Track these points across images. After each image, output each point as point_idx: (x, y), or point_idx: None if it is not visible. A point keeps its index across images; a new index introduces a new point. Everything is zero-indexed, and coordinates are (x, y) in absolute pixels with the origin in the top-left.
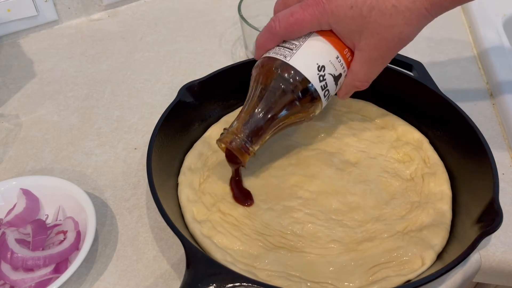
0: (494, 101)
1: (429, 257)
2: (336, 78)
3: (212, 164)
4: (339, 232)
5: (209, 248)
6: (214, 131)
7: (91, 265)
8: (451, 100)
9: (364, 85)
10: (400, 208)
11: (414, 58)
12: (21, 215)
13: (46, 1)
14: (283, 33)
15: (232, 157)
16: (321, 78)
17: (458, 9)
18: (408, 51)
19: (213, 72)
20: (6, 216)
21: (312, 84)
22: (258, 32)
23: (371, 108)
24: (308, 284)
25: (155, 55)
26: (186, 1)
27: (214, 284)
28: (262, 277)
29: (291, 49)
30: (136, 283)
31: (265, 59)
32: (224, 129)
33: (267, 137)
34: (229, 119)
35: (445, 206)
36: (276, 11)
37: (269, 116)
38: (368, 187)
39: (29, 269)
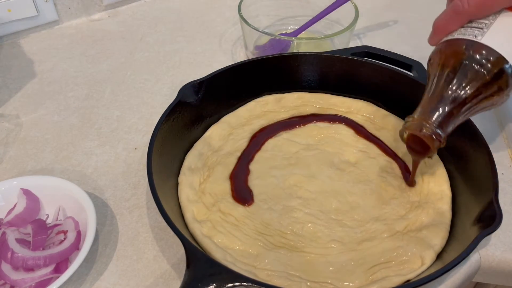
0: None
1: (429, 257)
2: None
3: (212, 164)
4: (339, 232)
5: (209, 248)
6: (214, 131)
7: (91, 265)
8: None
9: None
10: (399, 208)
11: (414, 58)
12: (21, 215)
13: (46, 1)
14: (473, 11)
15: (417, 147)
16: None
17: None
18: (408, 51)
19: (213, 72)
20: (6, 216)
21: (509, 63)
22: (258, 32)
23: (371, 108)
24: (308, 283)
25: (155, 55)
26: (186, 1)
27: (214, 284)
28: (262, 277)
29: (481, 28)
30: (136, 283)
31: (449, 41)
32: (408, 116)
33: (458, 123)
34: (229, 119)
35: (445, 206)
36: None
37: (460, 100)
38: (368, 187)
39: (30, 269)
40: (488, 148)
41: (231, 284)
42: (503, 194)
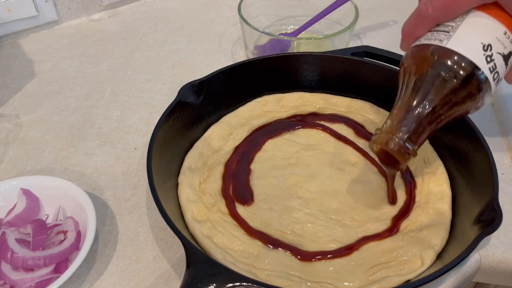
0: (494, 101)
1: (429, 257)
2: (506, 58)
3: (212, 164)
4: (339, 232)
5: (209, 248)
6: (214, 131)
7: (91, 265)
8: None
9: None
10: (400, 208)
11: None
12: (21, 215)
13: (46, 1)
14: (438, 15)
15: (388, 161)
16: (489, 59)
17: None
18: None
19: (213, 72)
20: (6, 216)
21: (478, 67)
22: (258, 32)
23: (371, 108)
24: (308, 284)
25: (155, 55)
26: (186, 1)
27: (214, 284)
28: (262, 277)
29: (447, 32)
30: (136, 283)
31: (416, 47)
32: (377, 129)
33: (428, 134)
34: (229, 119)
35: (445, 206)
36: None
37: (429, 109)
38: (368, 187)
39: (29, 269)
40: (488, 148)
41: (231, 284)
42: (503, 194)
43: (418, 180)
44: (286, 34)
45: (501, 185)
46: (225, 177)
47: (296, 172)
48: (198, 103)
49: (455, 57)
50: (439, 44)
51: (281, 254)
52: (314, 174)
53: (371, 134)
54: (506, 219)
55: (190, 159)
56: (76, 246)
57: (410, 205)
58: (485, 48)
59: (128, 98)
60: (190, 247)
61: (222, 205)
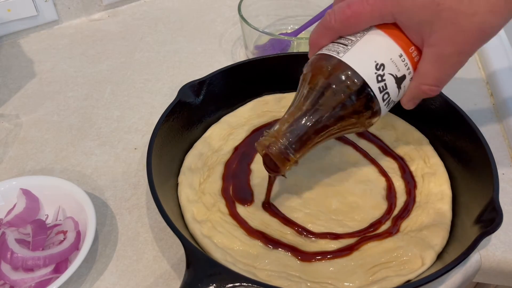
0: (494, 101)
1: (429, 257)
2: (399, 80)
3: (212, 164)
4: (339, 232)
5: (209, 248)
6: (214, 131)
7: (91, 265)
8: (451, 100)
9: (433, 90)
10: (400, 208)
11: None
12: (21, 215)
13: (46, 1)
14: (339, 27)
15: (269, 164)
16: (379, 78)
17: None
18: None
19: (213, 72)
20: (6, 216)
21: (368, 84)
22: (258, 32)
23: None
24: (308, 284)
25: (155, 55)
26: (186, 1)
27: (214, 284)
28: (262, 277)
29: (346, 45)
30: (136, 283)
31: (316, 56)
32: (265, 131)
33: (313, 144)
34: (229, 119)
35: (445, 206)
36: (334, 5)
37: (316, 119)
38: (368, 187)
39: (29, 269)
40: (489, 148)
41: (231, 285)
42: (503, 194)
43: (418, 180)
44: (286, 34)
45: (501, 185)
46: (225, 177)
47: (296, 172)
48: (198, 103)
49: (347, 71)
50: (335, 55)
51: (281, 254)
52: (314, 174)
53: (371, 134)
54: (507, 219)
55: (190, 159)
56: (76, 246)
57: (410, 205)
58: (378, 67)
59: (128, 98)
60: (190, 247)
61: (222, 205)
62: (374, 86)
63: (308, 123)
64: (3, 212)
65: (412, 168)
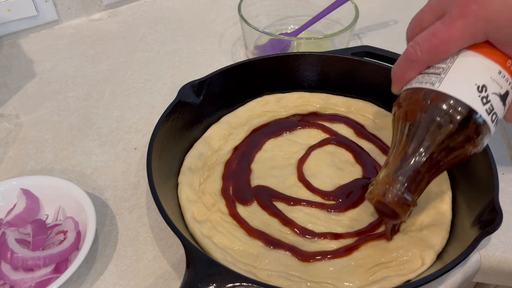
0: None
1: (429, 257)
2: (503, 97)
3: (212, 164)
4: (339, 232)
5: (209, 248)
6: (214, 131)
7: (91, 265)
8: None
9: None
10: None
11: None
12: (21, 215)
13: (46, 1)
14: (427, 58)
15: (386, 212)
16: (484, 100)
17: None
18: None
19: (213, 72)
20: (6, 216)
21: (474, 110)
22: (258, 32)
23: (371, 108)
24: (308, 284)
25: (155, 55)
26: (186, 1)
27: (214, 284)
28: (262, 277)
29: (439, 74)
30: (136, 283)
31: (407, 91)
32: (373, 179)
33: (427, 182)
34: (229, 119)
35: (445, 206)
36: (411, 35)
37: (426, 157)
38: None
39: (29, 269)
40: (489, 148)
41: (231, 284)
42: (503, 194)
43: None
44: (286, 34)
45: (501, 185)
46: (225, 177)
47: (296, 172)
48: (198, 103)
49: (449, 101)
50: (431, 87)
51: (281, 254)
52: (314, 174)
53: (371, 134)
54: (506, 219)
55: (190, 159)
56: (76, 246)
57: None
58: (480, 89)
59: (128, 98)
60: (190, 247)
61: (222, 205)
62: (481, 110)
63: (419, 163)
64: (3, 212)
65: None
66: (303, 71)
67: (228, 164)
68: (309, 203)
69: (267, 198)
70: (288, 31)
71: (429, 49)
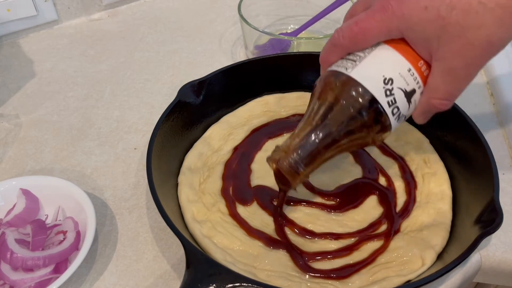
0: (494, 101)
1: (429, 257)
2: (409, 95)
3: (212, 164)
4: (339, 232)
5: (209, 248)
6: (214, 131)
7: (91, 265)
8: None
9: (444, 104)
10: (400, 208)
11: None
12: (21, 215)
13: (46, 1)
14: (347, 44)
15: (281, 177)
16: (388, 93)
17: None
18: None
19: (213, 72)
20: (6, 216)
21: (376, 99)
22: (258, 32)
23: None
24: (308, 284)
25: (155, 55)
26: (186, 1)
27: (214, 284)
28: (262, 277)
29: (354, 61)
30: (136, 283)
31: (325, 73)
32: (276, 146)
33: (323, 159)
34: (229, 119)
35: (445, 206)
36: (344, 23)
37: (325, 134)
38: None
39: (29, 269)
40: (489, 148)
41: (231, 285)
42: (503, 194)
43: (419, 180)
44: (286, 34)
45: (502, 185)
46: (225, 177)
47: None
48: (198, 103)
49: (356, 86)
50: (344, 71)
51: (281, 255)
52: (314, 174)
53: None
54: (507, 219)
55: (190, 159)
56: (75, 246)
57: (410, 205)
58: (386, 81)
59: (128, 98)
60: (190, 247)
61: (222, 205)
62: (383, 101)
63: (317, 138)
64: (3, 212)
65: (412, 168)
66: (303, 71)
67: (228, 164)
68: (309, 203)
69: (267, 198)
70: (288, 31)
71: (350, 36)
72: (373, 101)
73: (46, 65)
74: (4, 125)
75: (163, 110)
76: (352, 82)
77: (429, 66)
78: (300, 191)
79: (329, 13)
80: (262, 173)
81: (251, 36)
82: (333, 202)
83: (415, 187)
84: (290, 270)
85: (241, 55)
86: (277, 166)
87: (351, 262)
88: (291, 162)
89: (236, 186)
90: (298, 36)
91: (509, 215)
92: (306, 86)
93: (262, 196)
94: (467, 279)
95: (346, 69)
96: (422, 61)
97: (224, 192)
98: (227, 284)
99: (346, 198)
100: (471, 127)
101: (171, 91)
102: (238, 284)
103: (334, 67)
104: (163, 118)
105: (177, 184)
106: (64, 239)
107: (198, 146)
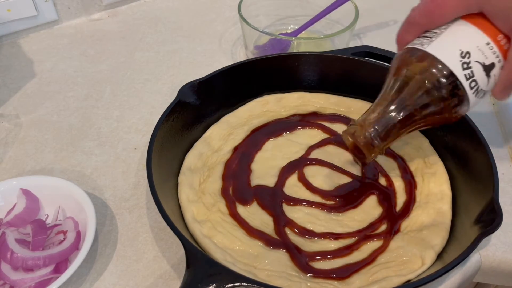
0: (494, 101)
1: (429, 257)
2: (488, 68)
3: (212, 164)
4: (339, 232)
5: (209, 248)
6: (214, 131)
7: (91, 265)
8: None
9: None
10: (400, 208)
11: None
12: (21, 215)
13: (46, 1)
14: (424, 22)
15: (357, 151)
16: (465, 66)
17: None
18: None
19: (213, 72)
20: (6, 216)
21: (452, 72)
22: (258, 32)
23: None
24: (308, 284)
25: (155, 55)
26: (186, 1)
27: (214, 284)
28: (262, 277)
29: (430, 37)
30: (136, 283)
31: (402, 51)
32: (352, 120)
33: (399, 133)
34: (229, 119)
35: (445, 206)
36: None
37: (401, 109)
38: None
39: (29, 269)
40: (488, 148)
41: (231, 285)
42: (503, 194)
43: (419, 180)
44: (286, 34)
45: (501, 185)
46: (225, 177)
47: (296, 172)
48: (198, 103)
49: (431, 61)
50: (420, 47)
51: (281, 254)
52: (314, 174)
53: None
54: (506, 219)
55: (190, 159)
56: (75, 246)
57: (410, 205)
58: (463, 55)
59: (128, 98)
60: (190, 247)
61: (222, 205)
62: (460, 74)
63: (394, 112)
64: (3, 212)
65: (412, 168)
66: (303, 71)
67: (228, 164)
68: (309, 203)
69: (267, 198)
70: (288, 31)
71: (426, 13)
72: (450, 74)
73: (46, 65)
74: (4, 125)
75: (163, 110)
76: (428, 57)
77: (509, 40)
78: (300, 191)
79: (329, 13)
80: (262, 173)
81: (251, 36)
82: (333, 202)
83: (415, 187)
84: (290, 270)
85: (241, 55)
86: (353, 139)
87: (351, 262)
88: (367, 135)
89: (236, 186)
90: (298, 36)
91: (509, 215)
92: (306, 86)
93: (262, 196)
94: (467, 279)
95: (422, 45)
96: (501, 35)
97: (224, 192)
98: (227, 284)
99: (346, 198)
100: (471, 127)
101: (171, 91)
102: (238, 284)
103: (410, 45)
104: (163, 118)
105: (177, 184)
106: (64, 239)
107: (198, 146)
